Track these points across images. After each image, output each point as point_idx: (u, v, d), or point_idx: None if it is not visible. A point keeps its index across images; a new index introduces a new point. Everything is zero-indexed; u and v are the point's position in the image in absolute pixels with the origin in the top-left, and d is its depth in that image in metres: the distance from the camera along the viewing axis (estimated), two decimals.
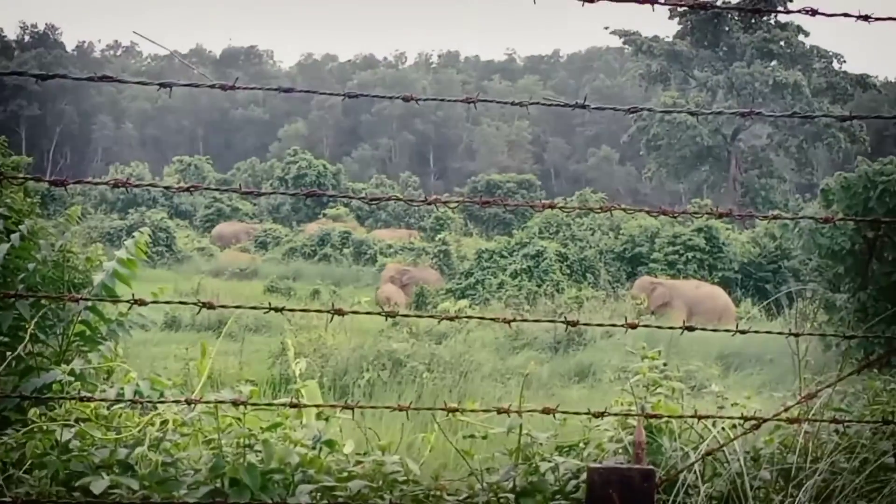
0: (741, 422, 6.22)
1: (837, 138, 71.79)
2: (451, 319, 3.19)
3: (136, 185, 3.54)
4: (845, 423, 6.18)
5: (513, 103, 3.79)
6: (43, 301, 7.65)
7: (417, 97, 3.56)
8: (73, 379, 6.36)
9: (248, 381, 5.88)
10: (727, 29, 76.20)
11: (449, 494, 5.73)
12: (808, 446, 6.42)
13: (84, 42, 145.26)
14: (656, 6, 3.52)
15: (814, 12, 3.60)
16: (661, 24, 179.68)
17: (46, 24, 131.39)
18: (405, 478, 5.71)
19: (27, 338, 7.08)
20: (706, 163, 76.88)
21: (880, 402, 7.06)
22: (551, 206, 3.66)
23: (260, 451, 5.55)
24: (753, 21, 76.35)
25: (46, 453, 5.34)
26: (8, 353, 7.02)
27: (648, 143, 75.18)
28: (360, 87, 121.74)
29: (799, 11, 3.61)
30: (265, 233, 57.02)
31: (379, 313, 4.03)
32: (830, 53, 76.27)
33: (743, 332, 4.12)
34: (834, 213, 22.23)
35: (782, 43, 74.29)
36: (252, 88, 3.64)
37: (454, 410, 4.43)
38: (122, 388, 6.37)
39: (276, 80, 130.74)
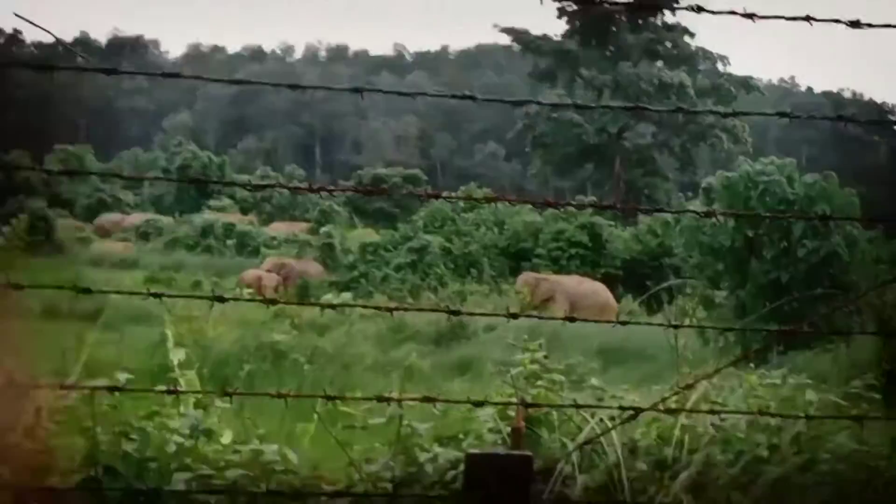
0: (619, 413, 6.28)
1: (720, 138, 72.86)
2: (333, 308, 3.17)
3: (17, 168, 3.47)
4: (721, 414, 6.25)
5: (400, 93, 3.76)
6: None
7: (306, 86, 3.53)
8: None
9: (124, 369, 5.78)
10: (615, 29, 76.93)
11: (327, 484, 5.70)
12: (684, 438, 6.48)
13: None
14: (545, 2, 3.51)
15: (699, 9, 3.63)
16: (549, 23, 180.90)
17: None
18: (283, 467, 5.67)
19: None
20: (591, 161, 77.49)
21: (756, 395, 7.15)
22: (436, 196, 3.67)
23: (136, 440, 5.47)
24: (641, 22, 77.17)
25: None
26: None
27: (534, 140, 75.59)
28: (247, 79, 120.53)
29: (685, 8, 3.63)
30: (147, 223, 56.33)
31: (262, 300, 3.99)
32: (715, 55, 77.48)
33: (623, 324, 4.15)
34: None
35: (668, 44, 75.24)
36: (134, 73, 3.58)
37: (334, 399, 4.39)
38: None
39: (163, 69, 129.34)
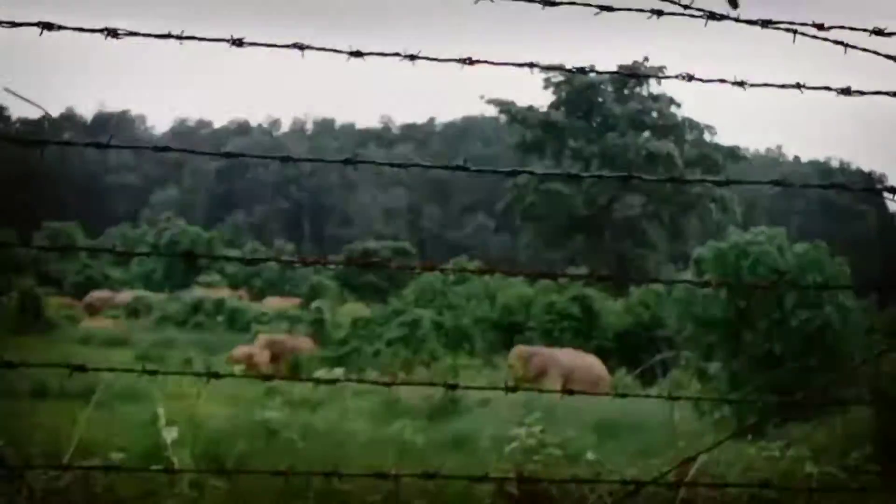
0: (619, 486, 6.20)
1: (709, 209, 73.09)
2: (330, 383, 3.11)
3: (4, 245, 3.42)
4: (724, 487, 6.19)
5: (391, 164, 3.75)
6: None
7: (297, 158, 3.51)
8: None
9: (119, 449, 5.71)
10: (601, 100, 77.37)
11: None
12: None
13: None
14: (532, 76, 3.53)
15: (690, 78, 3.63)
16: (535, 95, 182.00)
17: None
18: None
19: None
20: (581, 232, 77.67)
21: (756, 468, 7.10)
22: (429, 269, 3.62)
23: None
24: (626, 92, 77.64)
25: None
26: None
27: (524, 213, 75.75)
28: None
29: (676, 77, 3.63)
30: (137, 300, 56.21)
31: (256, 376, 3.94)
32: (702, 125, 77.80)
33: (623, 396, 4.10)
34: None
35: (655, 114, 75.61)
36: (126, 147, 3.56)
37: (333, 475, 4.32)
38: None
39: (150, 144, 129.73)
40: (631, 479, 5.11)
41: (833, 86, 3.67)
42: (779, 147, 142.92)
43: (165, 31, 3.35)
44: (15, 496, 5.37)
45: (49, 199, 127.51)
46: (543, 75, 76.88)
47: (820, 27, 3.66)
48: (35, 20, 3.32)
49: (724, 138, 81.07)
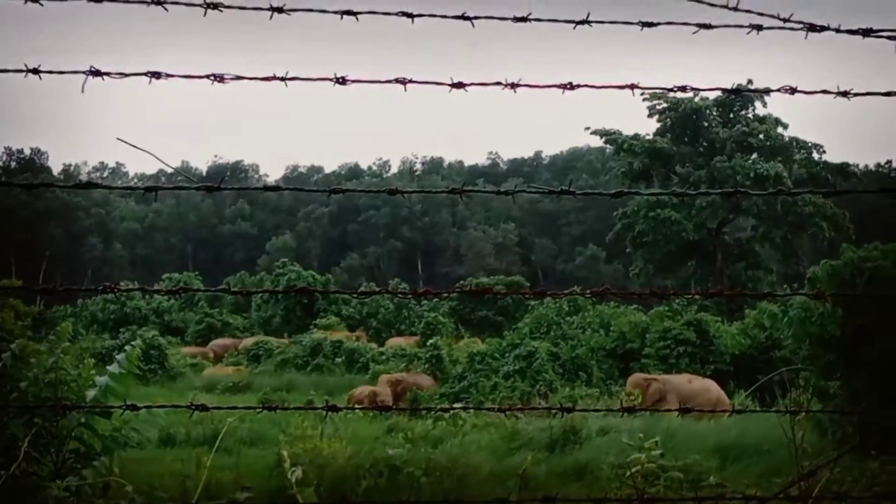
0: None
1: (821, 227, 72.07)
2: (449, 411, 3.19)
3: (125, 290, 3.57)
4: (847, 499, 6.16)
5: (499, 192, 3.83)
6: (36, 419, 7.61)
7: (404, 190, 3.62)
8: (68, 495, 6.32)
9: (244, 487, 5.85)
10: (706, 124, 76.81)
11: None
12: None
13: (70, 165, 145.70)
14: (637, 106, 3.60)
15: (793, 91, 3.67)
16: (641, 123, 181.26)
17: (32, 149, 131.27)
18: None
19: (21, 456, 7.04)
20: (692, 257, 77.07)
21: (880, 482, 7.06)
22: (543, 295, 3.69)
23: None
24: (732, 115, 77.01)
25: None
26: (2, 472, 6.97)
27: (634, 240, 75.31)
28: (346, 198, 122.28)
29: (779, 90, 3.68)
30: (257, 345, 56.81)
31: (379, 408, 4.05)
32: (810, 144, 76.80)
33: (741, 412, 4.13)
34: (822, 301, 22.29)
35: (761, 136, 74.79)
36: (239, 189, 3.69)
37: (454, 503, 4.41)
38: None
39: (264, 193, 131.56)
40: (753, 496, 5.12)
41: None
42: (889, 162, 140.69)
43: (271, 74, 3.47)
44: None
45: (168, 252, 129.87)
46: (647, 104, 76.70)
47: None
48: (143, 70, 3.46)
49: (833, 156, 79.96)
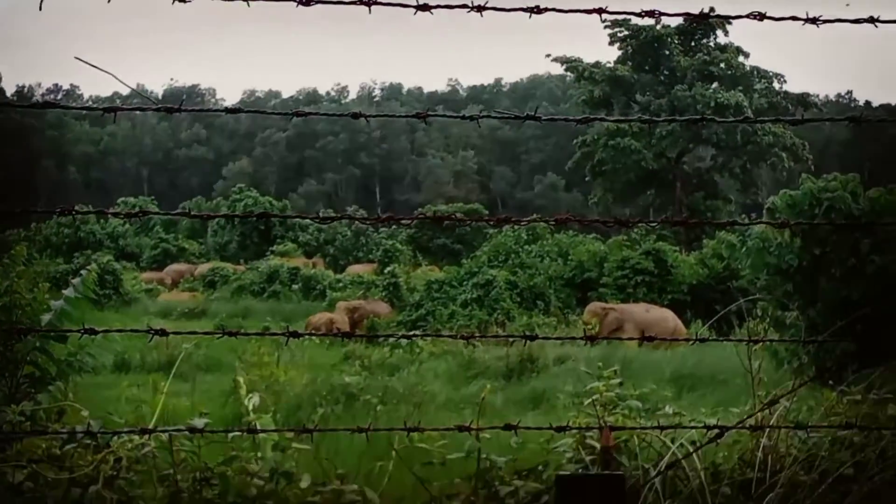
0: (700, 438, 6.20)
1: (781, 157, 72.31)
2: (409, 338, 3.13)
3: (83, 213, 3.47)
4: (808, 429, 6.15)
5: (465, 117, 3.74)
6: None
7: (367, 114, 3.52)
8: (23, 419, 6.24)
9: (202, 413, 5.79)
10: (667, 53, 76.65)
11: None
12: (767, 460, 6.39)
13: (24, 86, 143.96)
14: (599, 32, 3.50)
15: (761, 16, 3.59)
16: (601, 50, 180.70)
17: None
18: None
19: None
20: (652, 186, 77.19)
21: (837, 412, 7.05)
22: (507, 221, 3.62)
23: (216, 485, 5.47)
24: (693, 44, 76.89)
25: None
26: None
27: (593, 169, 75.33)
28: (304, 123, 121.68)
29: (747, 16, 3.59)
30: (213, 272, 56.63)
31: (338, 334, 3.98)
32: (771, 74, 76.85)
33: (703, 341, 4.09)
34: (780, 231, 22.35)
35: (723, 65, 74.78)
36: (199, 111, 3.59)
37: (414, 430, 4.36)
38: (75, 428, 6.26)
39: (220, 118, 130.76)
40: (713, 425, 5.11)
41: None
42: (849, 92, 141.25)
43: None
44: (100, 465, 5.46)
45: (123, 176, 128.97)
46: (609, 31, 76.46)
47: None
48: None
49: (794, 86, 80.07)
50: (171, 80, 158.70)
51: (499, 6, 3.46)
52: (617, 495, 2.56)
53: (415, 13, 3.44)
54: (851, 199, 22.23)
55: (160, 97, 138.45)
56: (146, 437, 5.49)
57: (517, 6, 3.50)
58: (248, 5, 3.36)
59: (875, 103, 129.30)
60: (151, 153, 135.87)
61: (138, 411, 7.35)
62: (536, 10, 3.50)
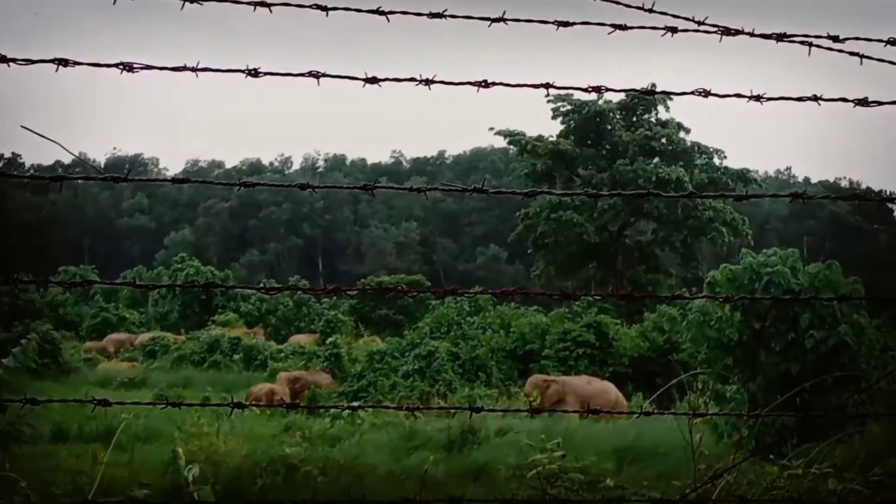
0: None
1: (721, 232, 72.92)
2: (353, 409, 3.13)
3: (24, 282, 3.47)
4: (752, 503, 6.18)
5: (410, 189, 3.77)
6: None
7: (315, 185, 3.54)
8: None
9: (141, 484, 5.74)
10: (609, 128, 77.40)
11: None
12: None
13: None
14: (540, 109, 3.56)
15: (706, 93, 3.65)
16: (545, 125, 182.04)
17: None
18: None
19: None
20: (593, 260, 77.54)
21: (779, 486, 7.09)
22: (453, 292, 3.64)
23: None
24: (635, 119, 77.70)
25: None
26: None
27: (536, 241, 75.65)
28: (247, 193, 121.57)
29: (692, 93, 3.65)
30: (153, 341, 56.24)
31: (280, 405, 3.97)
32: (711, 149, 77.73)
33: (647, 414, 4.11)
34: (721, 306, 22.52)
35: (664, 140, 75.53)
36: (144, 181, 3.60)
37: (357, 503, 4.35)
38: (13, 499, 6.18)
39: (163, 187, 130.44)
40: (657, 500, 5.13)
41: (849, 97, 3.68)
42: (788, 169, 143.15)
43: (181, 64, 3.38)
44: None
45: (64, 244, 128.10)
46: (552, 105, 77.08)
47: (835, 39, 3.67)
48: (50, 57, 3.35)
49: (734, 162, 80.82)
50: (114, 149, 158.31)
51: (447, 80, 3.50)
52: None
53: (363, 86, 3.47)
54: (791, 274, 22.45)
55: (103, 166, 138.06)
56: None
57: (465, 80, 3.54)
58: (197, 76, 3.38)
59: (813, 179, 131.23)
60: (93, 222, 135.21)
61: (77, 482, 7.28)
62: (484, 84, 3.54)
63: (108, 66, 3.34)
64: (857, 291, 22.58)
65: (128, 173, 3.48)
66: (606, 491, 7.05)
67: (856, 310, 22.49)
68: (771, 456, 10.01)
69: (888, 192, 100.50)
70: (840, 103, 3.69)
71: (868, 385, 18.78)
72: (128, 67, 3.34)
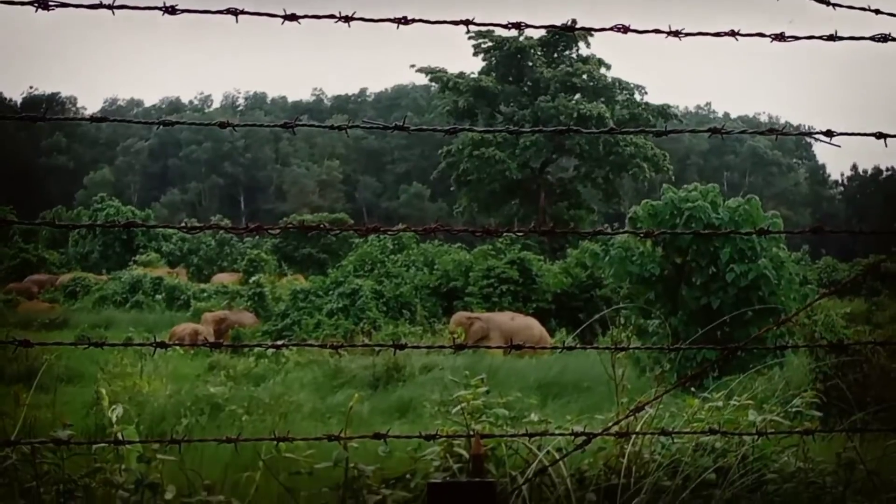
0: (566, 445, 6.27)
1: (642, 168, 73.31)
2: (278, 348, 3.13)
3: None
4: (671, 435, 6.24)
5: (332, 127, 3.74)
6: None
7: (234, 123, 3.50)
8: None
9: (66, 425, 5.70)
10: (531, 64, 77.39)
11: None
12: (631, 466, 6.48)
13: None
14: (462, 41, 3.52)
15: (625, 29, 3.64)
16: (466, 61, 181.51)
17: None
18: None
19: None
20: (516, 196, 77.69)
21: (699, 418, 7.17)
22: (375, 230, 3.63)
23: (80, 497, 5.39)
24: (556, 55, 77.69)
25: None
26: None
27: (458, 179, 75.69)
28: (167, 132, 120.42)
29: (611, 28, 3.64)
30: (74, 282, 55.72)
31: (203, 344, 3.95)
32: (632, 85, 78.03)
33: (570, 349, 4.13)
34: (643, 241, 22.72)
35: (585, 76, 75.69)
36: (62, 120, 3.54)
37: (282, 440, 4.34)
38: None
39: (81, 126, 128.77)
40: (580, 433, 5.17)
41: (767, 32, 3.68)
42: (708, 104, 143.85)
43: (97, 2, 3.32)
44: None
45: None
46: (473, 42, 76.88)
47: None
48: None
49: (655, 98, 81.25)
50: (31, 87, 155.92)
51: (367, 17, 3.47)
52: (488, 502, 2.58)
53: (282, 23, 3.43)
54: (711, 209, 22.69)
55: (20, 105, 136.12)
56: (8, 449, 5.39)
57: (385, 17, 3.51)
58: (114, 13, 3.31)
59: (733, 115, 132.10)
60: (11, 161, 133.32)
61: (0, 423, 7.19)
62: (404, 20, 3.51)
63: (22, 3, 3.27)
64: (776, 225, 22.90)
65: (45, 112, 3.43)
66: (531, 426, 7.09)
67: (775, 243, 22.80)
68: (692, 389, 10.14)
69: (806, 127, 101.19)
70: (758, 38, 3.70)
71: (787, 317, 19.04)
72: (42, 5, 3.27)
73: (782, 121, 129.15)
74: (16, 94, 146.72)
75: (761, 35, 3.68)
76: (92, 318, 44.29)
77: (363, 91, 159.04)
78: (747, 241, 21.99)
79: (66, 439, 4.67)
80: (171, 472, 6.36)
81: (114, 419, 6.67)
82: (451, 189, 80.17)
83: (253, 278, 46.66)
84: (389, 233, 3.75)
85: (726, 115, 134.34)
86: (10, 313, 46.58)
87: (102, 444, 5.78)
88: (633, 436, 6.37)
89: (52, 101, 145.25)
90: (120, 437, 5.99)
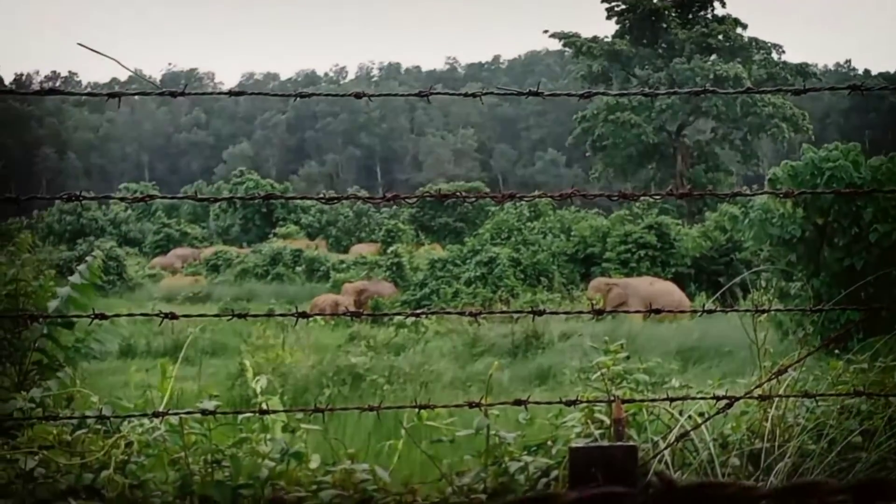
0: (708, 410, 6.21)
1: (781, 128, 72.11)
2: (417, 316, 3.14)
3: (89, 199, 3.48)
4: (816, 398, 6.15)
5: (466, 94, 3.74)
6: None
7: (370, 94, 3.51)
8: (34, 406, 6.25)
9: (211, 396, 5.80)
10: (665, 26, 76.52)
11: (421, 499, 5.68)
12: (775, 430, 6.40)
13: (22, 75, 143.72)
14: (595, 5, 3.49)
15: None
16: (599, 25, 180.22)
17: None
18: (375, 486, 5.66)
19: None
20: (652, 160, 77.03)
21: (844, 380, 7.05)
22: (512, 197, 3.62)
23: (228, 467, 5.48)
24: (691, 16, 76.72)
25: (11, 482, 5.24)
26: None
27: (594, 144, 75.24)
28: (303, 104, 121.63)
29: None
30: (216, 255, 56.65)
31: (344, 314, 3.99)
32: (769, 44, 76.75)
33: (710, 312, 4.09)
34: (783, 201, 22.35)
35: (721, 37, 74.67)
36: (201, 94, 3.59)
37: (424, 408, 4.38)
38: (85, 413, 6.26)
39: (219, 101, 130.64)
40: (722, 396, 5.12)
41: None
42: (848, 62, 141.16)
43: None
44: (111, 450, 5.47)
45: (123, 162, 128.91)
46: (606, 5, 76.31)
47: None
48: None
49: (793, 57, 79.86)
50: (170, 64, 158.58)
51: None
52: (631, 466, 2.56)
53: None
54: (853, 168, 22.22)
55: (159, 82, 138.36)
56: (157, 420, 5.50)
57: None
58: None
59: (874, 71, 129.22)
60: (151, 138, 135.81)
61: (146, 396, 7.34)
62: None
63: None
64: None
65: (184, 88, 3.47)
66: (672, 391, 7.02)
67: None
68: (836, 351, 9.96)
69: None
70: None
71: None
72: None
73: None
74: (155, 72, 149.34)
75: None
76: (234, 290, 45.03)
77: (496, 58, 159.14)
78: (891, 200, 21.50)
79: (213, 410, 4.76)
80: (315, 441, 6.44)
81: (258, 390, 6.77)
82: (587, 154, 79.71)
83: (391, 248, 46.96)
84: (525, 199, 3.75)
85: (867, 72, 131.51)
86: (154, 288, 47.57)
87: (248, 415, 5.88)
88: (777, 399, 6.27)
89: (191, 76, 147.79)
90: (265, 408, 6.07)
